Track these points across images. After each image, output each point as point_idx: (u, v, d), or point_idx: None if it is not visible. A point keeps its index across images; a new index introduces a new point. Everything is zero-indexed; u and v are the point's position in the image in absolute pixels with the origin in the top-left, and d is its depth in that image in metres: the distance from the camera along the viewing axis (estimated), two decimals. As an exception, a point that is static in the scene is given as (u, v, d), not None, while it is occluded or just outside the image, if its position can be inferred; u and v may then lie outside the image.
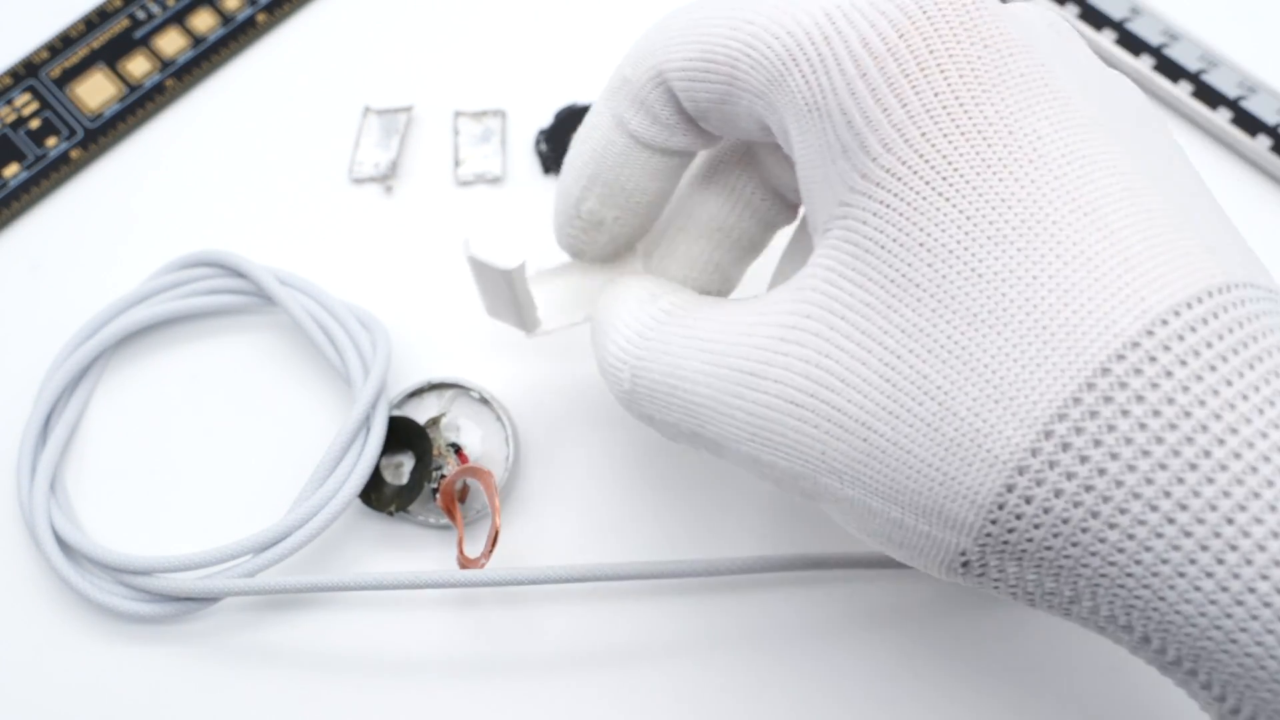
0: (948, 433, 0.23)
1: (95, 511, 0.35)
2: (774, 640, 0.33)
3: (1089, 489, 0.22)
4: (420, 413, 0.35)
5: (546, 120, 0.40)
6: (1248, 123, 0.38)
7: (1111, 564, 0.22)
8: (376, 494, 0.34)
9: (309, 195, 0.39)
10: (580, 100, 0.40)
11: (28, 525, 0.34)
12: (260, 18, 0.42)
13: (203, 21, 0.41)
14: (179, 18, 0.42)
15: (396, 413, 0.35)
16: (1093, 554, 0.22)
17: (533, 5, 0.42)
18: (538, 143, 0.40)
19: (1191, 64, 0.39)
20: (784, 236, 0.32)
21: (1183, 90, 0.39)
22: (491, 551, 0.31)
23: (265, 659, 0.33)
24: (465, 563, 0.32)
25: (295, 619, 0.34)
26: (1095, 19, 0.40)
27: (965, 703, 0.32)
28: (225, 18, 0.42)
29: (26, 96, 0.40)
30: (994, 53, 0.24)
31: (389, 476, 0.35)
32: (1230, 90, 0.38)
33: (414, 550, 0.34)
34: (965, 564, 0.24)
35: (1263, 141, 0.38)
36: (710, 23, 0.26)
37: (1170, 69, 0.39)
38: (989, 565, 0.24)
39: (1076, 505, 0.22)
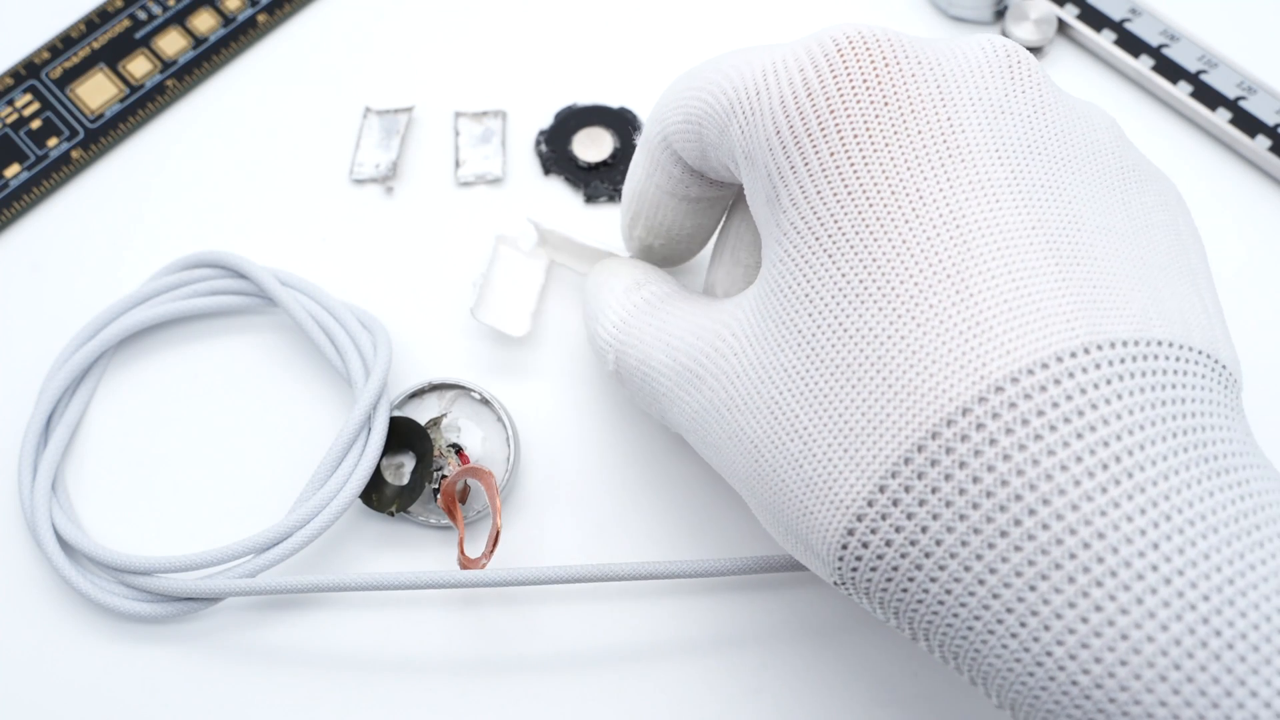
0: (808, 471, 0.25)
1: (96, 511, 0.35)
2: (774, 640, 0.33)
3: (914, 544, 0.23)
4: (421, 413, 0.35)
5: (547, 121, 0.40)
6: (1247, 123, 0.38)
7: (935, 613, 0.24)
8: (377, 494, 0.34)
9: (310, 196, 0.39)
10: (580, 100, 0.40)
11: (29, 525, 0.34)
12: (261, 18, 0.42)
13: (203, 22, 0.42)
14: (180, 18, 0.42)
15: (397, 413, 0.35)
16: (919, 601, 0.24)
17: (533, 5, 0.42)
18: (538, 143, 0.40)
19: (1191, 64, 0.39)
20: None
21: (1182, 91, 0.39)
22: (492, 552, 0.31)
23: (266, 659, 0.33)
24: (466, 563, 0.32)
25: (296, 619, 0.34)
26: (1095, 19, 0.40)
27: (965, 703, 0.32)
28: (226, 18, 0.42)
29: (27, 97, 0.41)
30: (893, 111, 0.25)
31: (390, 477, 0.35)
32: (1229, 91, 0.38)
33: (415, 550, 0.34)
34: (836, 584, 0.26)
35: (1262, 142, 0.38)
36: (690, 87, 0.28)
37: (1170, 69, 0.39)
38: (852, 594, 0.26)
39: (904, 556, 0.24)
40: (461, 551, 0.32)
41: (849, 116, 0.25)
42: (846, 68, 0.25)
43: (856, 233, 0.25)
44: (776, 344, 0.26)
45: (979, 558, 0.23)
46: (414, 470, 0.34)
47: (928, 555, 0.23)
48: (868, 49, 0.25)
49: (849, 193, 0.25)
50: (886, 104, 0.25)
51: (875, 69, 0.25)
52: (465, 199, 0.39)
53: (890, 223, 0.24)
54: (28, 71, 0.41)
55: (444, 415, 0.35)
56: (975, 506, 0.23)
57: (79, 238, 0.39)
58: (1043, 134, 0.26)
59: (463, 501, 0.34)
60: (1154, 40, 0.39)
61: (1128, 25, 0.40)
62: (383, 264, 0.38)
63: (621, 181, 0.39)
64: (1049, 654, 0.22)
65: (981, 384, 0.23)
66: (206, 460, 0.36)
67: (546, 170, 0.39)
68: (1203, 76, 0.39)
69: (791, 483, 0.25)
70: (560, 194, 0.39)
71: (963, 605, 0.23)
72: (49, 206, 0.39)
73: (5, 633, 0.34)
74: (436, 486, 0.34)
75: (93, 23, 0.42)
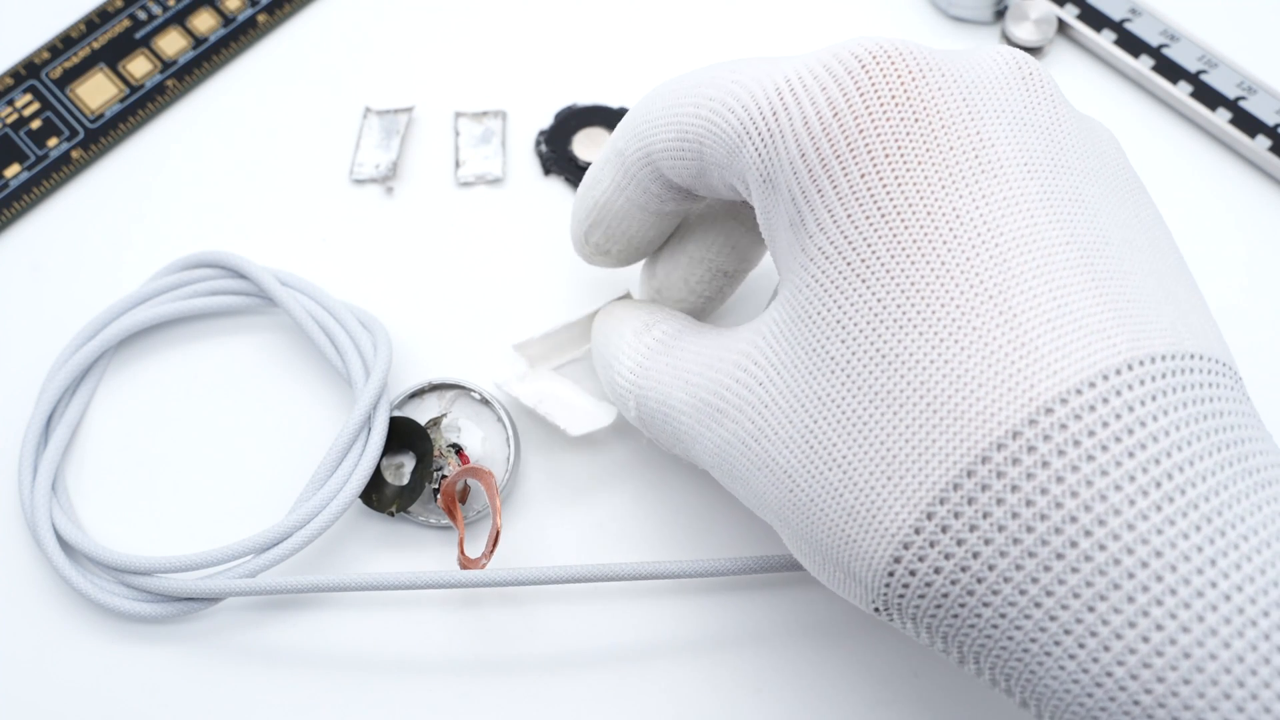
0: (849, 500, 0.24)
1: (97, 512, 0.35)
2: (774, 640, 0.33)
3: (965, 569, 0.23)
4: (421, 413, 0.35)
5: (547, 121, 0.40)
6: (1247, 123, 0.38)
7: (988, 637, 0.23)
8: (377, 494, 0.34)
9: (310, 196, 0.39)
10: (580, 101, 0.40)
11: (29, 525, 0.34)
12: (261, 18, 0.42)
13: (203, 22, 0.42)
14: (180, 18, 0.42)
15: (397, 413, 0.35)
16: (971, 626, 0.24)
17: (533, 5, 0.42)
18: (538, 144, 0.40)
19: (1191, 64, 0.39)
20: None
21: (1182, 91, 0.39)
22: (492, 552, 0.31)
23: (266, 659, 0.33)
24: (466, 563, 0.32)
25: (296, 619, 0.34)
26: (1095, 19, 0.40)
27: (964, 703, 0.32)
28: (226, 18, 0.42)
29: (27, 97, 0.41)
30: (924, 127, 0.24)
31: (390, 477, 0.35)
32: (1229, 91, 0.38)
33: (415, 551, 0.34)
34: (877, 610, 0.25)
35: (1262, 142, 0.38)
36: (682, 103, 0.28)
37: (1170, 69, 0.39)
38: (894, 620, 0.25)
39: (954, 583, 0.23)
40: (461, 551, 0.32)
41: (879, 135, 0.24)
42: (873, 83, 0.25)
43: (892, 255, 0.24)
44: (808, 371, 0.25)
45: (1035, 581, 0.22)
46: (414, 470, 0.34)
47: (980, 580, 0.23)
48: (892, 63, 0.25)
49: (882, 215, 0.24)
50: (917, 120, 0.24)
51: (903, 84, 0.25)
52: (465, 199, 0.39)
53: (927, 244, 0.24)
54: (28, 71, 0.41)
55: (444, 415, 0.35)
56: (1029, 530, 0.22)
57: (79, 238, 0.39)
58: (1062, 146, 0.25)
59: (463, 501, 0.34)
60: (1154, 40, 0.39)
61: (1128, 25, 0.40)
62: (383, 264, 0.38)
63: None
64: (1109, 674, 0.22)
65: (1030, 406, 0.22)
66: (206, 460, 0.36)
67: (546, 170, 0.39)
68: (1203, 76, 0.39)
69: (831, 512, 0.25)
70: (560, 194, 0.39)
71: (1018, 629, 0.23)
72: (49, 207, 0.39)
73: (5, 633, 0.34)
74: (436, 486, 0.34)
75: (93, 23, 0.42)
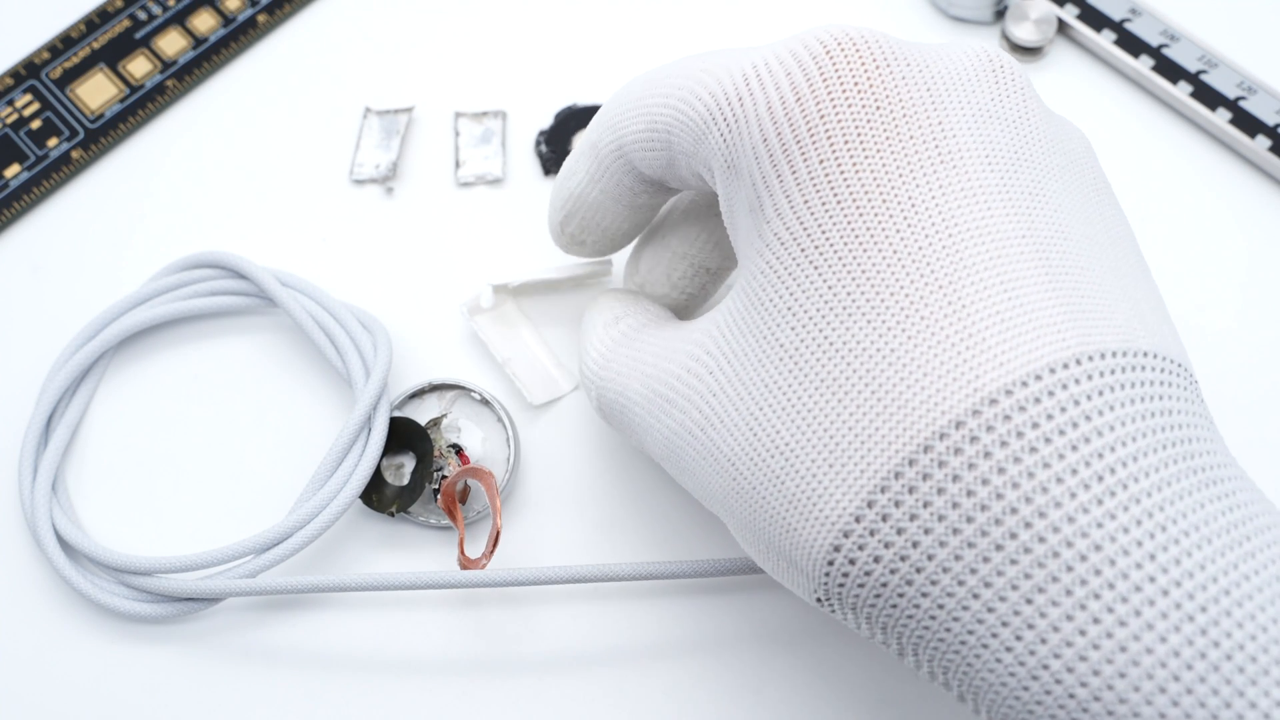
0: (791, 488, 0.24)
1: (97, 512, 0.35)
2: (774, 640, 0.33)
3: (904, 559, 0.23)
4: (421, 414, 0.35)
5: (547, 121, 0.40)
6: (1247, 123, 0.38)
7: (926, 628, 0.23)
8: (378, 495, 0.34)
9: (310, 196, 0.39)
10: (580, 101, 0.40)
11: (29, 526, 0.34)
12: (261, 18, 0.42)
13: (203, 22, 0.42)
14: (180, 18, 0.42)
15: (397, 414, 0.35)
16: (909, 616, 0.24)
17: (533, 5, 0.42)
18: (538, 144, 0.40)
19: (1191, 65, 0.39)
20: None
21: (1182, 91, 0.39)
22: (492, 552, 0.31)
23: (266, 659, 0.33)
24: (466, 563, 0.32)
25: (296, 619, 0.34)
26: (1094, 19, 0.40)
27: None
28: (226, 18, 0.42)
29: (27, 97, 0.41)
30: (885, 115, 0.24)
31: (390, 477, 0.35)
32: (1229, 91, 0.38)
33: (415, 551, 0.34)
34: (819, 601, 0.25)
35: (1262, 142, 0.38)
36: (652, 94, 0.28)
37: (1169, 69, 0.39)
38: (835, 610, 0.25)
39: (893, 572, 0.23)
40: (461, 552, 0.32)
41: (840, 121, 0.24)
42: (836, 70, 0.25)
43: (845, 244, 0.24)
44: (756, 359, 0.25)
45: (973, 572, 0.22)
46: (414, 470, 0.34)
47: (919, 570, 0.23)
48: (857, 51, 0.25)
49: (838, 201, 0.24)
50: (879, 108, 0.24)
51: (866, 71, 0.25)
52: (465, 199, 0.39)
53: (881, 233, 0.24)
54: (28, 71, 0.41)
55: (444, 415, 0.35)
56: (969, 520, 0.22)
57: (79, 238, 0.39)
58: (1028, 141, 0.25)
59: (463, 502, 0.34)
60: (1154, 40, 0.39)
61: (1128, 25, 0.40)
62: (383, 264, 0.38)
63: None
64: (1045, 667, 0.22)
65: (975, 396, 0.22)
66: (206, 460, 0.36)
67: (546, 170, 0.39)
68: (1203, 76, 0.39)
69: (773, 500, 0.25)
70: (560, 194, 0.39)
71: (955, 620, 0.23)
72: (49, 207, 0.39)
73: (5, 633, 0.34)
74: (436, 487, 0.34)
75: (93, 23, 0.42)
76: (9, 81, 0.41)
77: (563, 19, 0.42)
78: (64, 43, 0.41)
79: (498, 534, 0.31)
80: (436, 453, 0.34)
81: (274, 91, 0.41)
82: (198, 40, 0.41)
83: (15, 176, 0.39)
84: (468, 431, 0.35)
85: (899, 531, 0.23)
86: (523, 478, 0.35)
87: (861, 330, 0.24)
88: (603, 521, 0.35)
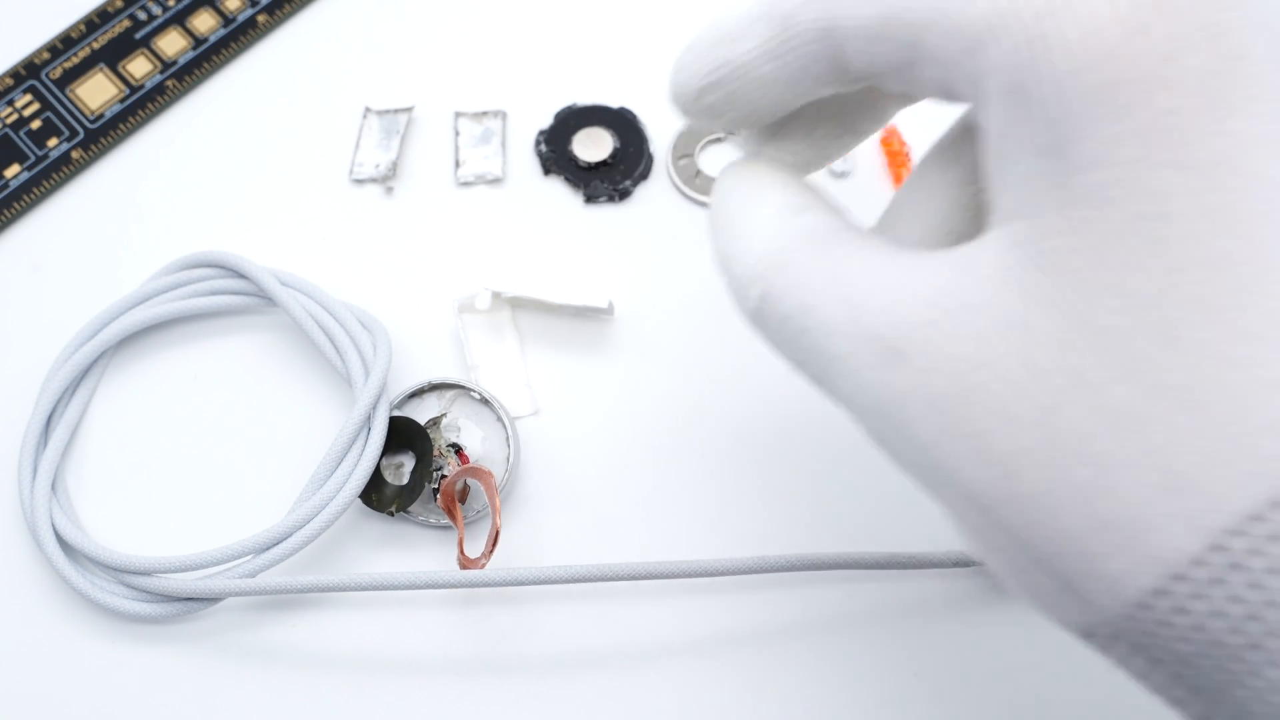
0: (1100, 510, 0.20)
1: (96, 512, 0.35)
2: (774, 640, 0.33)
3: (1254, 619, 0.19)
4: (421, 413, 0.35)
5: (547, 121, 0.40)
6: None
7: (1240, 684, 0.20)
8: (377, 494, 0.34)
9: (310, 196, 0.39)
10: (580, 100, 0.40)
11: (29, 525, 0.34)
12: (261, 18, 0.42)
13: (203, 22, 0.42)
14: (180, 18, 0.42)
15: (397, 413, 0.35)
16: (1223, 670, 0.20)
17: (533, 5, 0.42)
18: (538, 143, 0.40)
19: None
20: None
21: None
22: (492, 552, 0.31)
23: (266, 659, 0.33)
24: (465, 563, 0.32)
25: (296, 619, 0.34)
26: (1095, 19, 0.40)
27: (965, 703, 0.32)
28: (226, 18, 0.42)
29: (27, 97, 0.41)
30: (1236, 65, 0.19)
31: (390, 477, 0.35)
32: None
33: (414, 550, 0.34)
34: (1088, 635, 0.21)
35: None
36: None
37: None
38: (1110, 649, 0.21)
39: (1235, 631, 0.19)
40: (461, 551, 0.32)
41: (1188, 67, 0.19)
42: (1176, 4, 0.19)
43: (1191, 220, 0.19)
44: (1055, 338, 0.20)
45: None
46: (414, 470, 0.34)
47: (1273, 633, 0.19)
48: None
49: (1181, 166, 0.19)
50: (1227, 58, 0.19)
51: (1216, 8, 0.19)
52: (465, 199, 0.39)
53: (1235, 212, 0.19)
54: (28, 72, 0.41)
55: (444, 415, 0.35)
56: None
57: (79, 238, 0.39)
58: None
59: (462, 501, 0.34)
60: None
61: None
62: (383, 264, 0.38)
63: (620, 182, 0.39)
64: None
65: None
66: (206, 460, 0.36)
67: (546, 170, 0.39)
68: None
69: (1065, 513, 0.20)
70: (560, 194, 0.39)
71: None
72: (49, 207, 0.39)
73: (5, 633, 0.34)
74: (436, 486, 0.34)
75: (93, 23, 0.42)
76: (9, 81, 0.41)
77: (563, 19, 0.42)
78: (64, 43, 0.41)
79: (497, 533, 0.31)
80: (436, 452, 0.34)
81: (274, 91, 0.41)
82: (198, 40, 0.41)
83: (15, 176, 0.39)
84: (467, 431, 0.35)
85: (1254, 586, 0.19)
86: (522, 477, 0.35)
87: (1214, 330, 0.19)
88: (603, 521, 0.35)
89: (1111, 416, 0.19)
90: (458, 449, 0.35)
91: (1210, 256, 0.19)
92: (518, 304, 0.37)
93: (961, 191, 0.25)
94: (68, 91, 0.41)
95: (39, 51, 0.41)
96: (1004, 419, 0.20)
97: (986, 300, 0.21)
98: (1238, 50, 0.19)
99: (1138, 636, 0.20)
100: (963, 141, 0.25)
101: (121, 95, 0.41)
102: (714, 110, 0.25)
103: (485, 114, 0.40)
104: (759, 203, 0.25)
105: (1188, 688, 0.20)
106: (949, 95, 0.22)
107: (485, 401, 0.35)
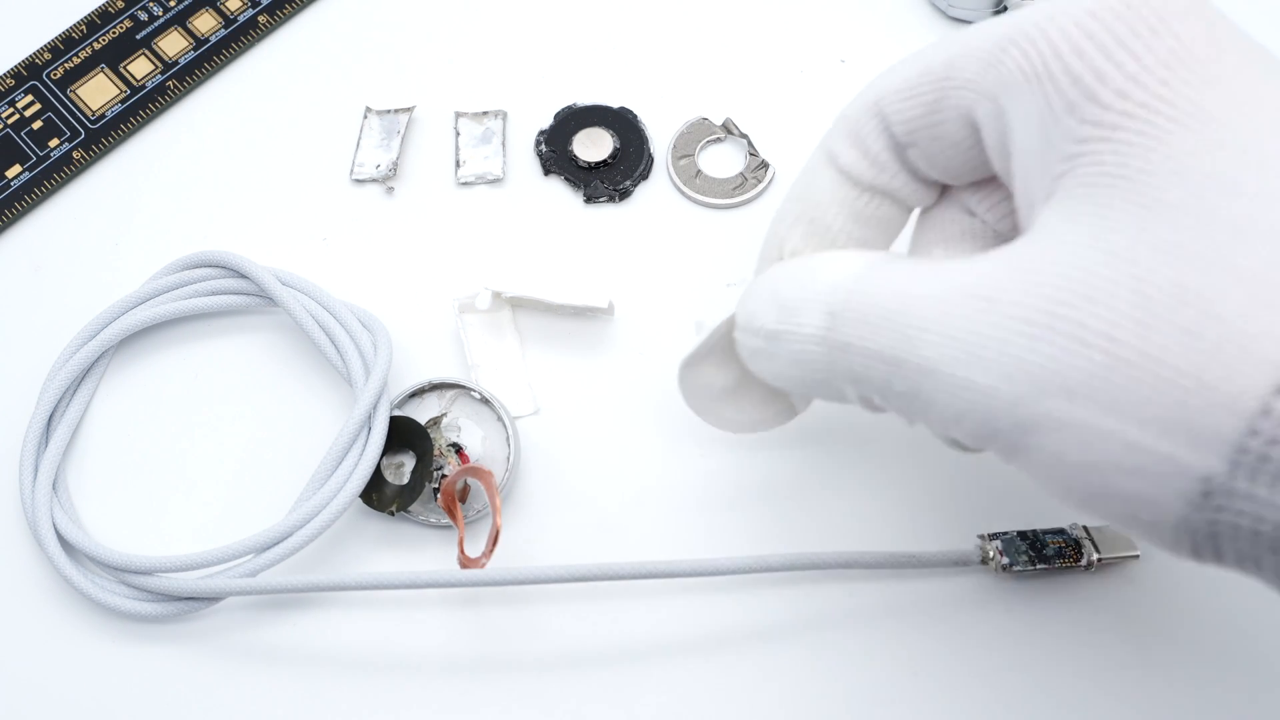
0: (1210, 337, 0.22)
1: (97, 511, 0.35)
2: (774, 640, 0.33)
3: None
4: (421, 413, 0.36)
5: (547, 121, 0.40)
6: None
7: None
8: (378, 494, 0.34)
9: (310, 196, 0.39)
10: (580, 100, 0.40)
11: (30, 525, 0.34)
12: (262, 19, 0.42)
13: (204, 23, 0.42)
14: (181, 19, 0.42)
15: (397, 413, 0.35)
16: None
17: (533, 5, 0.42)
18: (538, 143, 0.40)
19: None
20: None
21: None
22: (492, 551, 0.31)
23: (266, 658, 0.33)
24: (466, 562, 0.32)
25: (296, 618, 0.34)
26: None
27: (965, 702, 0.32)
28: (227, 19, 0.42)
29: (29, 98, 0.41)
30: (1218, 34, 0.24)
31: (390, 476, 0.35)
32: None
33: (415, 550, 0.34)
34: (1206, 494, 0.22)
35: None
36: (928, 48, 0.27)
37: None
38: (1235, 492, 0.22)
39: None
40: (461, 551, 0.32)
41: (1183, 25, 0.24)
42: None
43: (1224, 111, 0.23)
44: (1135, 227, 0.23)
45: None
46: (414, 470, 0.34)
47: None
48: None
49: (1203, 81, 0.23)
50: (1211, 26, 0.25)
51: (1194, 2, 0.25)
52: (465, 199, 0.39)
53: (1260, 109, 0.23)
54: (29, 72, 0.41)
55: (444, 415, 0.35)
56: None
57: (80, 238, 0.39)
58: None
59: (463, 501, 0.34)
60: (1154, 40, 0.39)
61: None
62: (383, 264, 0.38)
63: (621, 181, 0.39)
64: None
65: None
66: (207, 460, 0.36)
67: (546, 170, 0.39)
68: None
69: (1174, 360, 0.22)
70: (560, 194, 0.39)
71: None
72: (50, 207, 0.39)
73: (5, 633, 0.34)
74: (436, 486, 0.34)
75: (94, 24, 0.42)
76: (10, 82, 0.41)
77: (563, 19, 0.42)
78: (65, 43, 0.41)
79: (497, 533, 0.31)
80: (436, 452, 0.34)
81: (275, 92, 0.41)
82: (199, 41, 0.41)
83: (16, 177, 0.39)
84: (467, 430, 0.35)
85: None
86: (523, 477, 0.35)
87: (1274, 181, 0.22)
88: (603, 521, 0.35)
89: (1202, 263, 0.22)
90: (458, 449, 0.35)
91: (1248, 132, 0.23)
92: (518, 304, 0.37)
93: (962, 225, 0.30)
94: (69, 92, 0.41)
95: (40, 52, 0.41)
96: (1095, 302, 0.23)
97: (1054, 239, 0.24)
98: (1213, 23, 0.24)
99: (1261, 457, 0.21)
100: (937, 210, 0.30)
101: (122, 96, 0.41)
102: (797, 252, 0.30)
103: (485, 114, 0.40)
104: (822, 260, 0.28)
105: None
106: (968, 123, 0.27)
107: (485, 401, 0.36)
